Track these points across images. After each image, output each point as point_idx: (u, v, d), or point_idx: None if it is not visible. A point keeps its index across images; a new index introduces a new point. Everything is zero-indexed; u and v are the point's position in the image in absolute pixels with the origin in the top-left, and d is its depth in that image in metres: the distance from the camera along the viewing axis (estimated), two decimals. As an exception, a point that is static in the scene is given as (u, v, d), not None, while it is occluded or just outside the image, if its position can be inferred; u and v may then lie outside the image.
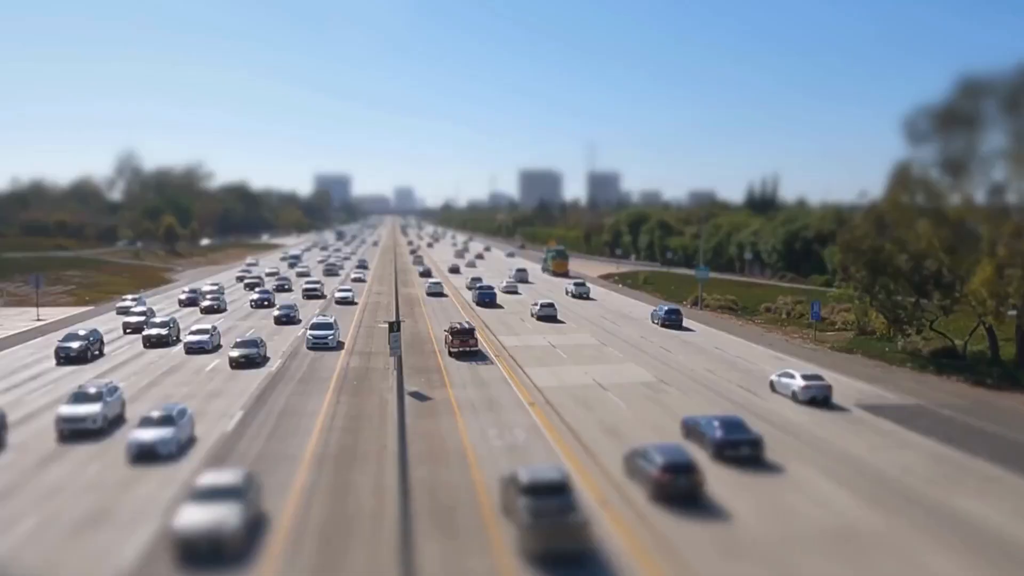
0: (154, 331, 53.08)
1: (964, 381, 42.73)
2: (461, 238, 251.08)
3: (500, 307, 75.22)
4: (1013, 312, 44.90)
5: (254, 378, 42.21)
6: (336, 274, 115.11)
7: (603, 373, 44.11)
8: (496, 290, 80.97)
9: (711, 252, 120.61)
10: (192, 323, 59.87)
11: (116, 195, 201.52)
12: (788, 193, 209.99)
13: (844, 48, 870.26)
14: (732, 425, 29.09)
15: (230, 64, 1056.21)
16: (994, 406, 37.74)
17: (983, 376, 43.04)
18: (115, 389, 33.85)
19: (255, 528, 21.63)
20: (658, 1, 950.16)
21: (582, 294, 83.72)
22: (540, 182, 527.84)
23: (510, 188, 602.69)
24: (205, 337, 50.56)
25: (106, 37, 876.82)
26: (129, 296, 77.75)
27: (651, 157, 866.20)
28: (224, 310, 71.94)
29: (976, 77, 43.79)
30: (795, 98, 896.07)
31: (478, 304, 75.58)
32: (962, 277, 45.09)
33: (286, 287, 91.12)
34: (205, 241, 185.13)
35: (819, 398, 36.90)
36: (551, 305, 67.67)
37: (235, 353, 45.47)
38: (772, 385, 39.68)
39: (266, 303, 74.69)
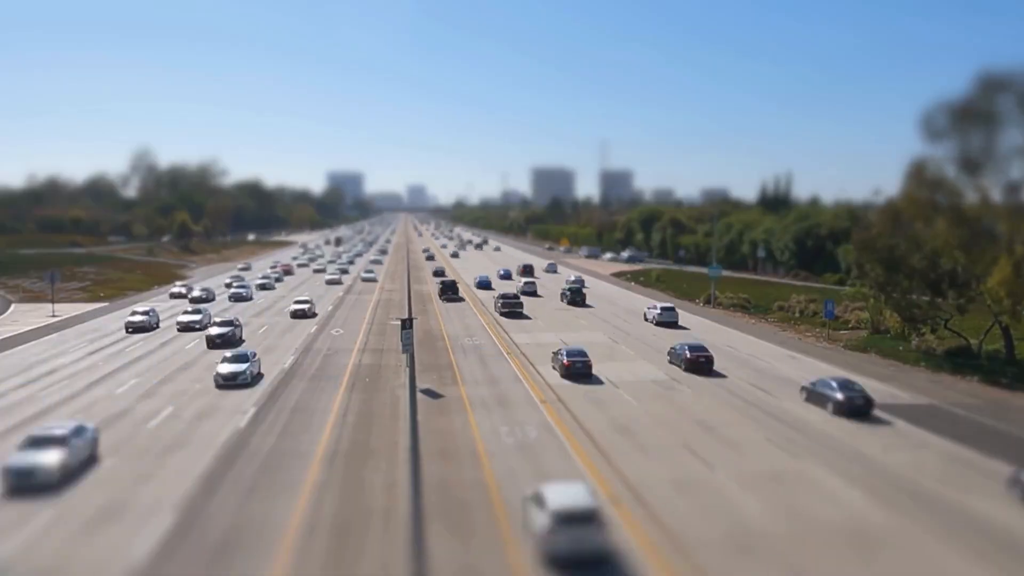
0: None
1: (979, 381, 42.39)
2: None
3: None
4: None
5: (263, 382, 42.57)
6: None
7: (615, 371, 44.07)
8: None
9: (723, 250, 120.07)
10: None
11: (131, 192, 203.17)
12: (802, 191, 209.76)
13: (858, 47, 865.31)
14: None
15: (244, 64, 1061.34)
16: (1009, 406, 37.42)
17: (998, 376, 42.69)
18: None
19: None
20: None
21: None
22: (553, 180, 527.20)
23: (522, 186, 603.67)
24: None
25: (123, 37, 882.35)
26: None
27: (664, 155, 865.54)
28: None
29: (995, 73, 43.41)
30: (809, 96, 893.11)
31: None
32: (978, 276, 44.73)
33: None
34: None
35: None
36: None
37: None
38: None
39: None
